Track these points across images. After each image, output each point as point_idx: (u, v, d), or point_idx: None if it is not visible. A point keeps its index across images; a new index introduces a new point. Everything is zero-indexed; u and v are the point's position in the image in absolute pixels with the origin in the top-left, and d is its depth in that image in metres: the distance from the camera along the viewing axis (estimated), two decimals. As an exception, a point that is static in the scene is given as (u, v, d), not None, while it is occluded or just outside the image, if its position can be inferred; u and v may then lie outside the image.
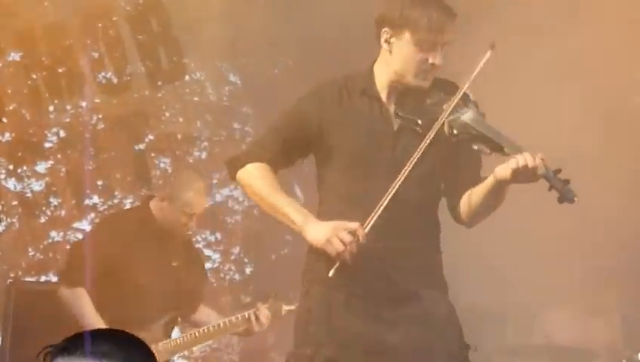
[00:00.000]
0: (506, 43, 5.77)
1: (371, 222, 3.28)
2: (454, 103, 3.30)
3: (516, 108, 5.46)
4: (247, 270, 7.03)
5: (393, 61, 3.41)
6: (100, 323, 4.65)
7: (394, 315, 3.41)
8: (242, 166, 3.55)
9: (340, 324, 3.43)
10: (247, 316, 4.90)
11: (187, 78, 6.86)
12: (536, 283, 5.80)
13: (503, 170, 3.24)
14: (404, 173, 3.29)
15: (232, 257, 7.00)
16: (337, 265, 3.28)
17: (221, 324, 4.94)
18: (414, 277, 3.45)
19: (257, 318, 4.88)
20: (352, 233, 3.27)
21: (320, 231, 3.30)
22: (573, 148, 5.67)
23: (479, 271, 5.51)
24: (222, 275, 6.96)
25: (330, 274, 3.30)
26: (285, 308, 4.96)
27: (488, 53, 3.34)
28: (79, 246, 5.07)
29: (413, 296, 3.43)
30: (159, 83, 6.70)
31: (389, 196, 3.27)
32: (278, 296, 5.04)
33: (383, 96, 3.46)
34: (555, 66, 5.74)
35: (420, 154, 3.29)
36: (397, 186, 3.29)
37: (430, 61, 3.35)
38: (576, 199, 3.14)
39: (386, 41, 3.42)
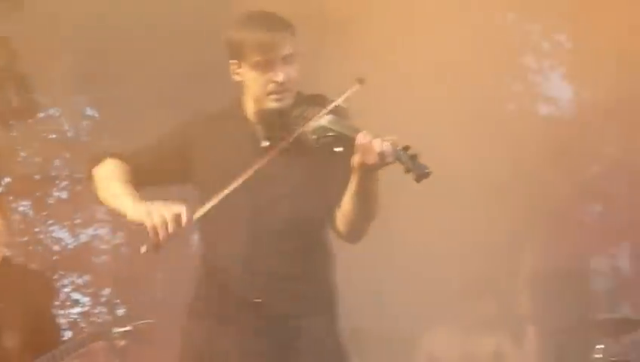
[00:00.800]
0: (385, 42, 5.79)
1: (203, 211, 3.14)
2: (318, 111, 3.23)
3: (390, 108, 5.44)
4: (120, 311, 6.87)
5: (248, 90, 3.35)
6: None
7: (263, 347, 3.26)
8: (101, 160, 3.35)
9: (205, 358, 3.29)
10: None
11: (42, 114, 6.67)
12: (415, 303, 5.78)
13: (354, 156, 3.13)
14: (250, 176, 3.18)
15: (103, 299, 6.85)
16: (147, 246, 3.06)
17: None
18: (289, 305, 3.31)
19: None
20: (176, 215, 3.05)
21: (143, 206, 3.10)
22: (442, 151, 5.68)
23: (357, 295, 5.45)
24: (92, 319, 6.77)
25: (142, 251, 3.07)
26: (117, 329, 4.77)
27: (355, 87, 3.25)
28: None
29: (285, 325, 3.29)
30: (11, 122, 6.52)
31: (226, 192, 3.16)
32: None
33: (252, 117, 3.38)
34: (431, 67, 5.76)
35: (269, 160, 3.20)
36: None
37: (273, 79, 3.26)
38: (428, 171, 3.03)
39: (235, 73, 3.34)
